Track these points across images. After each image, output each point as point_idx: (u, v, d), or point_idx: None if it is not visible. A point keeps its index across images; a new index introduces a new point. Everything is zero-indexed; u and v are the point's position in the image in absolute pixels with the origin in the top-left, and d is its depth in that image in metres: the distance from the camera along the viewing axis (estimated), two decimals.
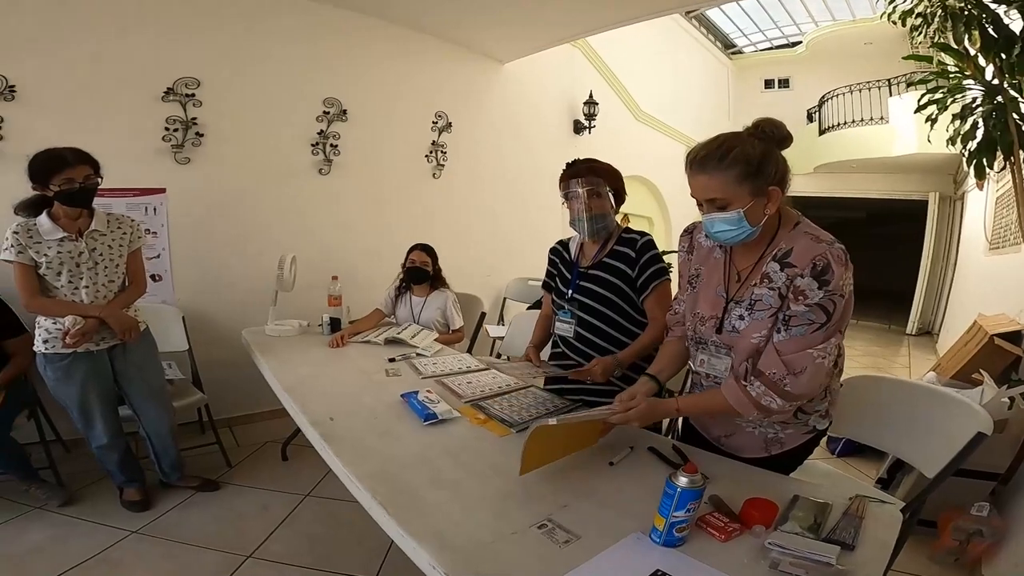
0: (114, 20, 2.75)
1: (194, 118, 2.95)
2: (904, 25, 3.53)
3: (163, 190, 2.90)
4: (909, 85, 3.81)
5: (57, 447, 2.64)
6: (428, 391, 1.78)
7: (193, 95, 2.94)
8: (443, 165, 4.10)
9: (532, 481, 1.24)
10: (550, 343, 2.04)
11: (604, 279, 1.78)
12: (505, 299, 4.57)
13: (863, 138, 8.08)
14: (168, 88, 2.88)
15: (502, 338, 4.12)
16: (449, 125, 4.10)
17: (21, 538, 2.10)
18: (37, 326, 2.09)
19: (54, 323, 2.05)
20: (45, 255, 2.00)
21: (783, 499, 1.14)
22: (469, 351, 2.94)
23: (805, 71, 10.11)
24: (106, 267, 2.13)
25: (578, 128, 5.48)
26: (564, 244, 1.99)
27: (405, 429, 1.55)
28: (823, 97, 9.17)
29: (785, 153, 1.23)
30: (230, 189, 3.12)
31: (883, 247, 13.72)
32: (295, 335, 2.64)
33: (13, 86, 2.57)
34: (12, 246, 1.97)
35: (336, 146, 3.48)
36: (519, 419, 1.61)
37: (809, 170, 9.15)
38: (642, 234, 1.80)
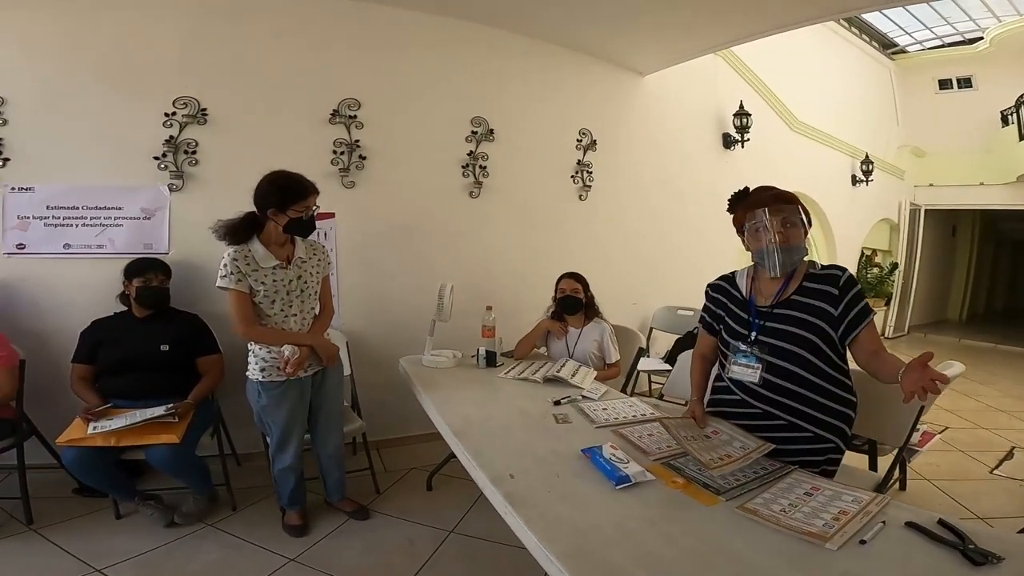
0: (285, 43, 2.90)
1: (357, 140, 3.03)
2: None
3: (332, 214, 2.98)
4: None
5: (230, 461, 2.73)
6: (612, 446, 1.56)
7: (355, 116, 3.01)
8: (589, 186, 3.90)
9: (765, 556, 1.09)
10: (709, 388, 1.82)
11: (800, 319, 1.55)
12: (652, 329, 4.23)
13: None
14: (334, 110, 2.98)
15: (659, 374, 3.83)
16: (594, 143, 3.90)
17: (196, 557, 2.16)
18: (251, 354, 2.14)
19: (268, 352, 2.09)
20: (263, 283, 2.03)
21: None
22: (624, 388, 2.71)
23: (991, 69, 8.62)
24: (309, 294, 2.17)
25: (728, 142, 5.01)
26: (730, 280, 1.77)
27: (593, 492, 1.36)
28: (1021, 97, 7.73)
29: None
30: (389, 213, 3.16)
31: None
32: (451, 366, 2.55)
33: (205, 110, 2.76)
34: (232, 273, 1.99)
35: (485, 167, 3.42)
36: (726, 484, 1.37)
37: (1011, 179, 7.71)
38: (840, 268, 1.60)
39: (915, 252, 8.66)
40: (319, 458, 2.42)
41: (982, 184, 8.17)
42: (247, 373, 2.16)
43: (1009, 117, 8.15)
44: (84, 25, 2.61)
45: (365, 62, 3.06)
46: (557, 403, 2.03)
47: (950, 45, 9.36)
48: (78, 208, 2.66)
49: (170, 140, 2.71)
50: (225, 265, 2.01)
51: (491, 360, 2.53)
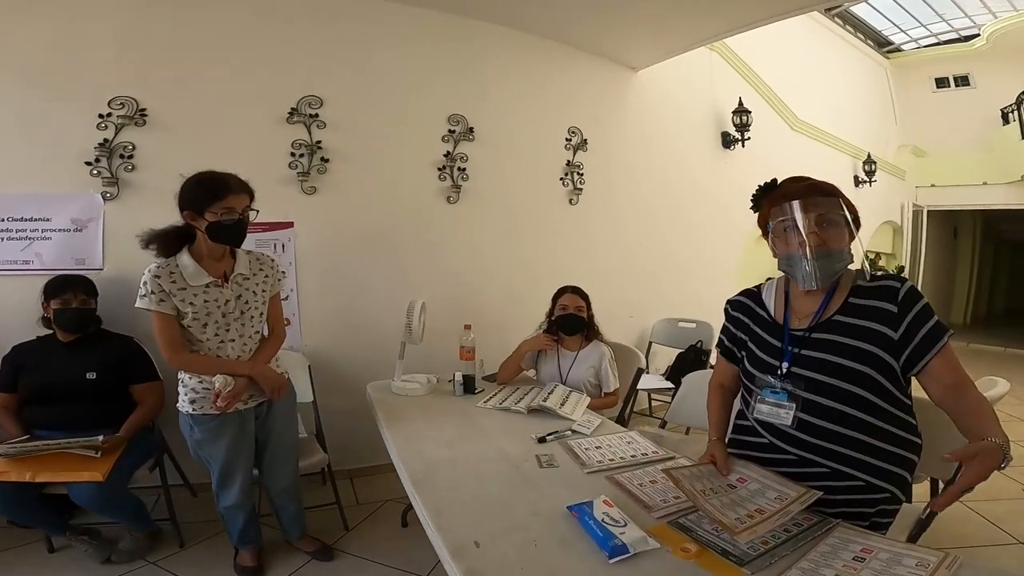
0: (236, 35, 2.64)
1: (319, 141, 2.74)
2: None
3: (291, 224, 2.69)
4: None
5: (183, 491, 2.49)
6: (606, 502, 1.25)
7: (317, 115, 2.73)
8: (580, 189, 3.62)
9: None
10: (730, 426, 1.51)
11: (847, 346, 1.23)
12: (651, 343, 3.94)
13: None
14: (292, 108, 2.69)
15: (660, 392, 3.54)
16: (584, 142, 3.63)
17: None
18: (180, 384, 1.87)
19: (200, 382, 1.82)
20: (191, 304, 1.75)
21: None
22: (620, 417, 2.42)
23: (988, 67, 8.45)
24: (252, 316, 1.88)
25: (727, 141, 4.75)
26: (754, 296, 1.46)
27: (581, 567, 1.07)
28: (1022, 95, 7.54)
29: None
30: (355, 221, 2.86)
31: None
32: (423, 393, 2.26)
33: (144, 110, 2.49)
34: (152, 292, 1.72)
35: (464, 169, 3.13)
36: (750, 550, 1.08)
37: (1015, 178, 7.50)
38: (898, 278, 1.26)
39: (919, 255, 8.43)
40: (270, 494, 2.14)
41: (985, 184, 7.96)
42: (178, 404, 1.88)
43: (1010, 115, 7.97)
44: (6, 19, 2.33)
45: (327, 56, 2.78)
46: (542, 440, 1.73)
47: (946, 43, 9.20)
48: (2, 220, 2.36)
49: (104, 144, 2.41)
50: (145, 283, 1.73)
51: (469, 387, 2.23)
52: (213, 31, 2.58)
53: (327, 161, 2.75)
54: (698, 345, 3.55)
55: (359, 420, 2.71)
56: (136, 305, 1.74)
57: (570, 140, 3.58)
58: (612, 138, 3.82)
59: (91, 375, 2.14)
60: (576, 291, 2.47)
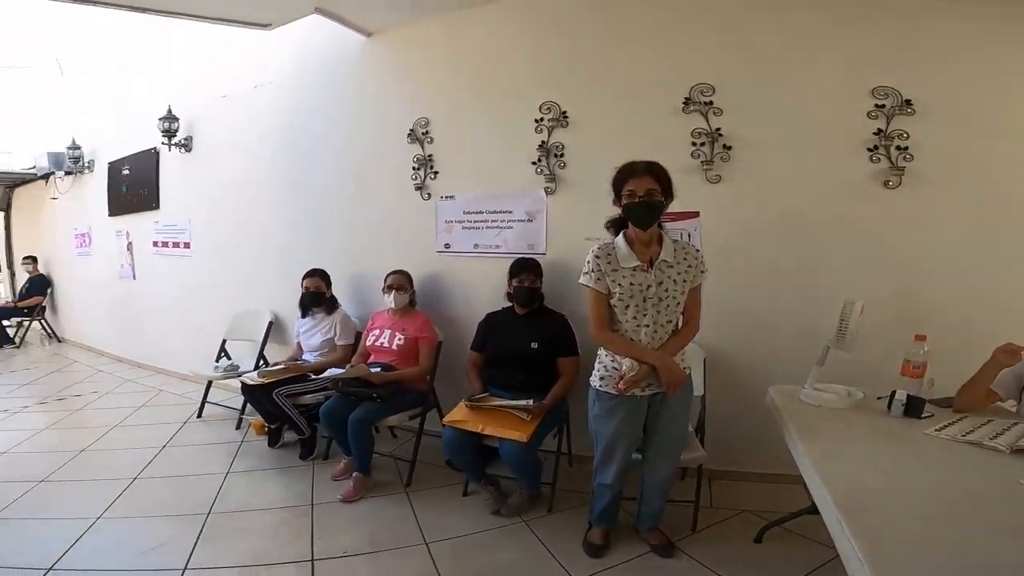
0: (631, 33, 2.77)
1: (718, 129, 2.62)
2: None
3: (696, 214, 2.67)
4: None
5: (562, 459, 2.72)
6: None
7: (711, 103, 2.63)
8: None
9: None
10: None
11: None
12: None
13: None
14: (686, 98, 2.66)
15: None
16: None
17: (497, 553, 2.21)
18: (597, 359, 2.06)
19: (612, 360, 1.98)
20: (619, 285, 1.90)
21: None
22: None
23: None
24: (668, 305, 1.91)
25: None
26: None
27: None
28: None
29: None
30: (766, 211, 2.62)
31: None
32: (842, 407, 1.88)
33: (565, 112, 2.88)
34: (593, 271, 1.92)
35: (905, 148, 2.44)
36: None
37: None
38: None
39: None
40: (643, 482, 2.18)
41: None
42: (590, 377, 2.08)
43: None
44: (463, 45, 3.11)
45: (709, 41, 2.65)
46: None
47: None
48: (482, 213, 3.17)
49: (542, 145, 2.92)
50: (588, 262, 1.96)
51: (914, 408, 1.74)
52: (601, 29, 2.83)
53: (729, 148, 2.62)
54: None
55: (737, 421, 2.60)
56: (579, 281, 1.98)
57: None
58: None
59: (534, 345, 2.58)
60: None
